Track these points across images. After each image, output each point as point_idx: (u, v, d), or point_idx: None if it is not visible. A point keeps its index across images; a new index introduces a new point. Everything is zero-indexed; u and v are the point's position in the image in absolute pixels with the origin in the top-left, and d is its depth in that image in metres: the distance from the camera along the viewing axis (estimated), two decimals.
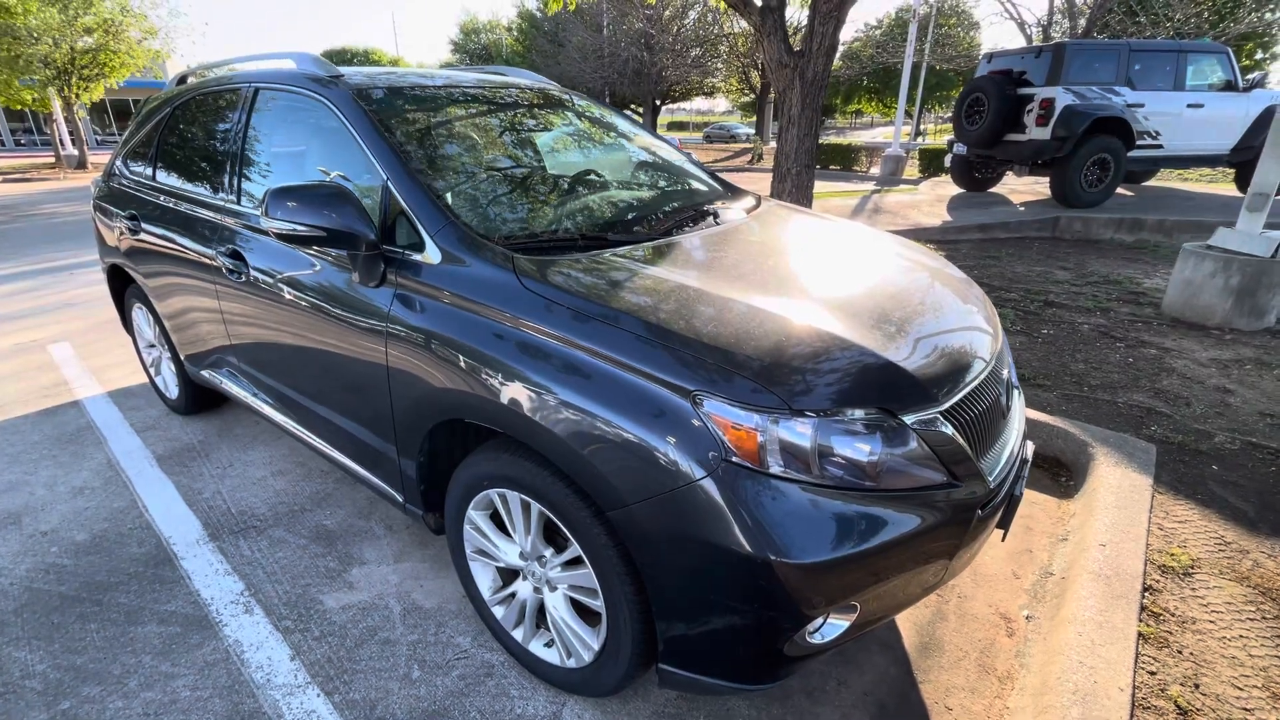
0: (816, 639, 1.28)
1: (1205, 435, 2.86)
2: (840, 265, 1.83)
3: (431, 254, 1.64)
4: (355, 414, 1.93)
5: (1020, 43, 18.37)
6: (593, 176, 2.31)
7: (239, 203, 2.25)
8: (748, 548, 1.17)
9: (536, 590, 1.67)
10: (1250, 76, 8.09)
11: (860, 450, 1.22)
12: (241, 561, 2.20)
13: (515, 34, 32.29)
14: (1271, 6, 19.17)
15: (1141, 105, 7.57)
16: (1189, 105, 7.78)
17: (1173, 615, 1.83)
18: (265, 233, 2.09)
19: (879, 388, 1.30)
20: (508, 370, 1.41)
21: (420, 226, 1.67)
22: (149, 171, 2.81)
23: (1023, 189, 10.10)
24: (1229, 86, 7.98)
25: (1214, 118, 7.86)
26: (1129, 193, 9.23)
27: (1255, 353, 3.86)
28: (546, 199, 2.05)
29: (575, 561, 1.52)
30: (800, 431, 1.19)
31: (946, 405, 1.36)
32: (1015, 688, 1.72)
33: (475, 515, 1.70)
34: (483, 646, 1.85)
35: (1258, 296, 4.20)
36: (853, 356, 1.33)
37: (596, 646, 1.53)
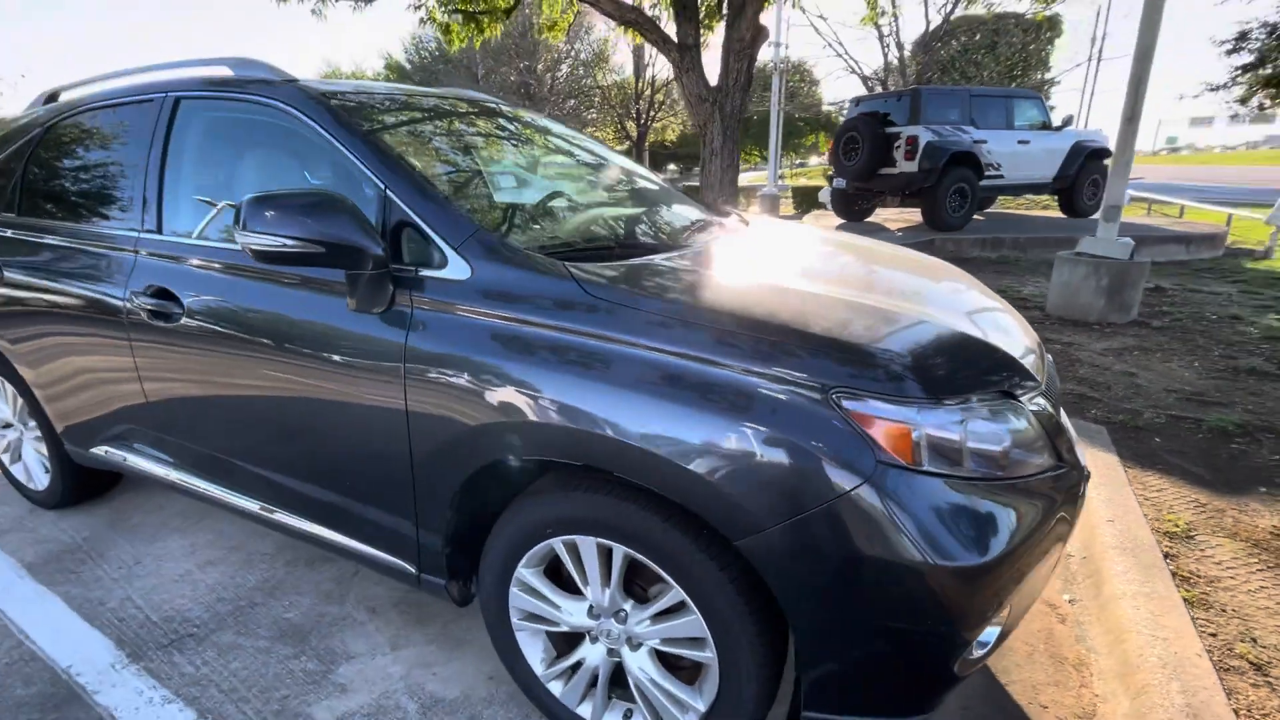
0: (979, 651, 1.17)
1: (1136, 413, 3.16)
2: (873, 266, 1.81)
3: (456, 269, 1.40)
4: (350, 474, 1.59)
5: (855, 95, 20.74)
6: (588, 189, 2.16)
7: (160, 231, 1.85)
8: (921, 555, 1.04)
9: (612, 653, 1.42)
10: (1063, 117, 9.58)
11: (994, 437, 1.15)
12: (184, 682, 1.72)
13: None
14: (1040, 71, 23.99)
15: (985, 141, 8.69)
16: (1019, 141, 9.05)
17: (1201, 577, 1.92)
18: (212, 264, 1.71)
19: (996, 373, 1.25)
20: (591, 390, 1.20)
21: (438, 239, 1.43)
22: (8, 209, 2.26)
23: (895, 217, 11.15)
24: (1045, 126, 9.41)
25: (1038, 152, 9.19)
26: (980, 217, 10.48)
27: (1135, 341, 4.40)
28: (557, 208, 1.87)
29: (671, 610, 1.30)
30: (948, 422, 1.10)
31: (1043, 385, 1.35)
32: (1093, 673, 1.71)
33: (527, 573, 1.43)
34: None
35: (1124, 293, 4.83)
36: (963, 343, 1.28)
37: (702, 707, 1.31)
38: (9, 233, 2.21)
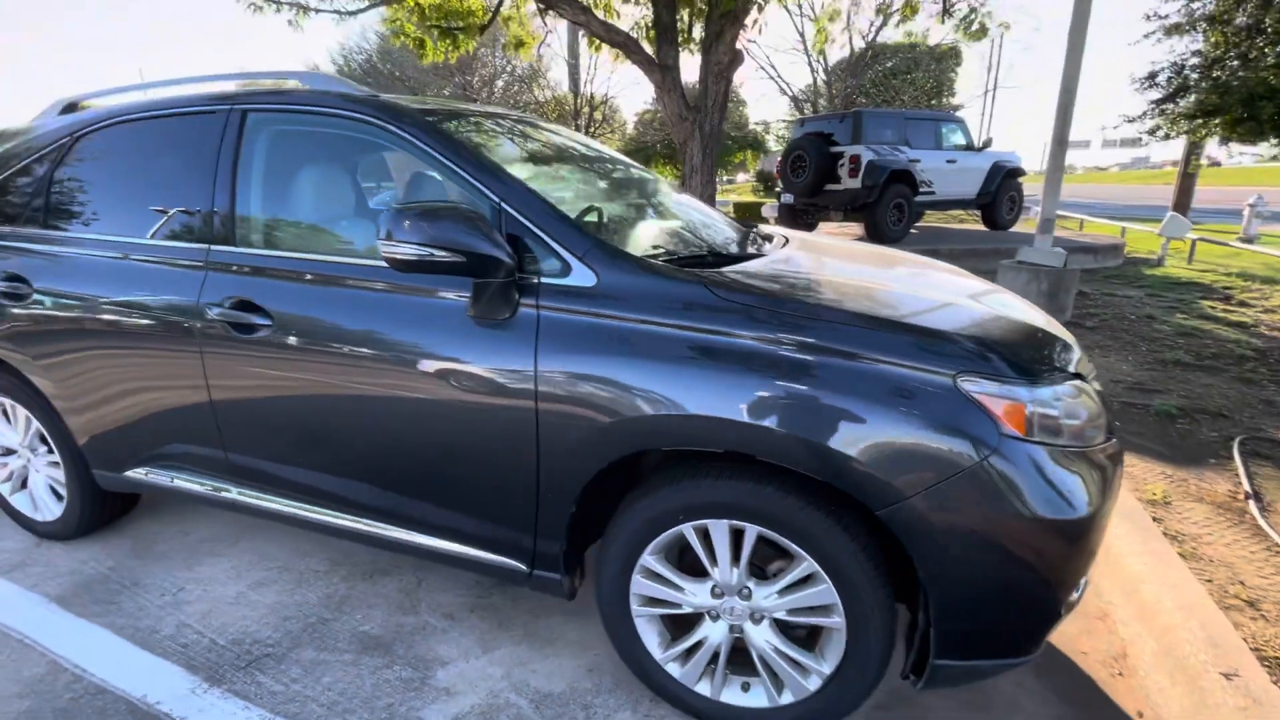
0: (1075, 594, 1.37)
1: None
2: (926, 270, 2.03)
3: (581, 276, 1.50)
4: (461, 480, 1.64)
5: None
6: (643, 200, 2.29)
7: (235, 243, 1.83)
8: (1041, 511, 1.23)
9: (733, 629, 1.54)
10: (984, 139, 10.49)
11: (1076, 413, 1.36)
12: (278, 700, 1.70)
13: None
14: (947, 96, 26.10)
15: (918, 160, 9.40)
16: (947, 161, 9.84)
17: (1186, 535, 2.24)
18: (304, 275, 1.71)
19: (1066, 357, 1.47)
20: (736, 384, 1.33)
21: (560, 248, 1.52)
22: (31, 221, 2.15)
23: (838, 230, 11.80)
24: (968, 147, 10.28)
25: (963, 171, 10.02)
26: (915, 231, 11.26)
27: (1075, 339, 4.91)
28: (638, 219, 1.98)
29: (799, 582, 1.44)
30: (1048, 399, 1.30)
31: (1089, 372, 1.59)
32: (1116, 621, 1.97)
33: (651, 560, 1.53)
34: (653, 716, 1.64)
35: (1060, 297, 5.39)
36: (1040, 333, 1.50)
37: (828, 669, 1.45)
38: (39, 247, 2.10)
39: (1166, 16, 4.15)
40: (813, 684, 1.48)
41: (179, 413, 1.95)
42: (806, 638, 1.52)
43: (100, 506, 2.36)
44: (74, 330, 2.02)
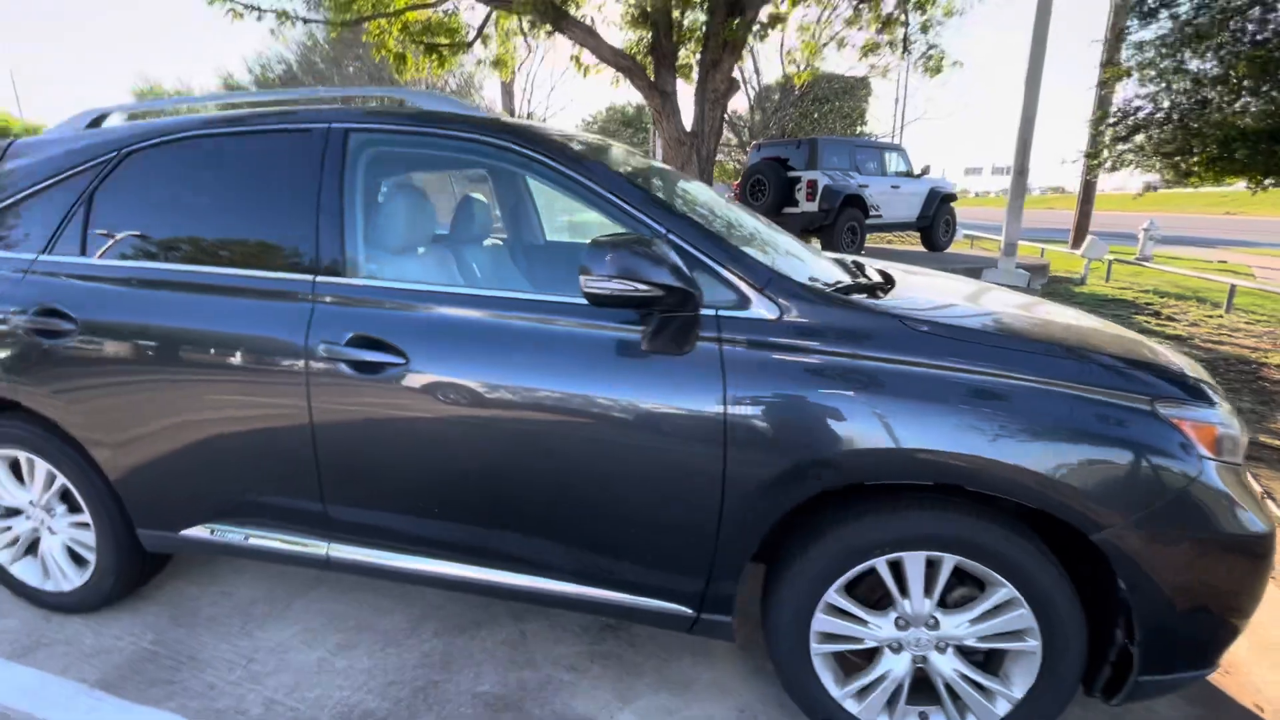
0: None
1: None
2: (1031, 298, 2.12)
3: (762, 309, 1.47)
4: (626, 522, 1.55)
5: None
6: (748, 229, 2.26)
7: (347, 274, 1.67)
8: (1243, 528, 1.31)
9: (916, 660, 1.53)
10: (922, 166, 11.24)
11: (1237, 431, 1.45)
12: None
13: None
14: (863, 125, 27.80)
15: (867, 186, 9.95)
16: (891, 186, 10.46)
17: None
18: (446, 309, 1.58)
19: (1205, 377, 1.58)
20: (940, 416, 1.34)
21: (737, 280, 1.49)
22: (64, 248, 1.87)
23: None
24: (909, 174, 10.98)
25: (905, 195, 10.68)
26: (863, 253, 11.88)
27: None
28: (767, 247, 1.95)
29: (994, 609, 1.45)
30: (1224, 420, 1.39)
31: None
32: None
33: (836, 596, 1.50)
34: None
35: None
36: (1188, 361, 1.60)
37: (1019, 694, 1.47)
38: (81, 276, 1.83)
39: (1119, 63, 4.63)
40: (1001, 709, 1.49)
41: (270, 462, 1.74)
42: (984, 664, 1.54)
43: (137, 572, 2.07)
44: (130, 372, 1.77)
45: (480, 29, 5.83)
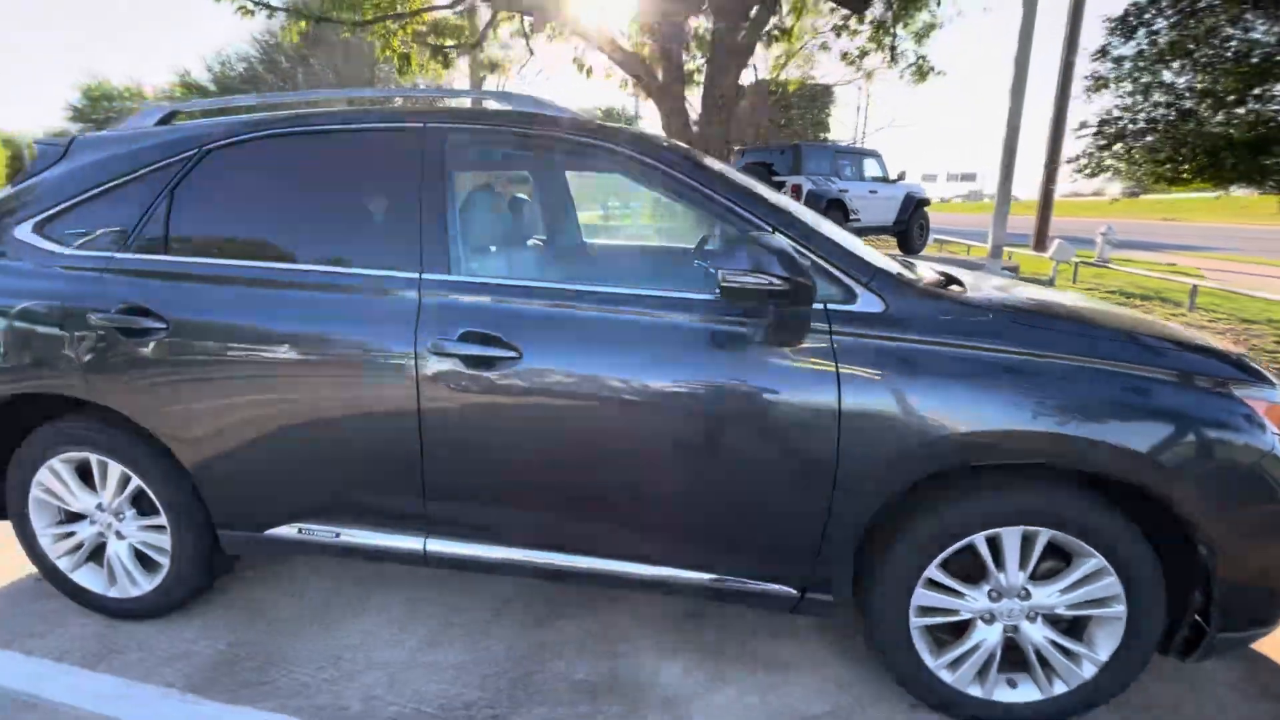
0: None
1: None
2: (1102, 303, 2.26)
3: (867, 303, 1.56)
4: (739, 508, 1.62)
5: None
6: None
7: (451, 271, 1.69)
8: None
9: (1007, 630, 1.63)
10: (898, 172, 11.64)
11: None
12: None
13: None
14: (826, 133, 28.59)
15: (847, 190, 10.26)
16: (869, 190, 10.81)
17: None
18: (559, 304, 1.62)
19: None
20: (1042, 400, 1.45)
21: (844, 276, 1.58)
22: (145, 246, 1.84)
23: None
24: (885, 179, 11.35)
25: (883, 199, 11.05)
26: None
27: None
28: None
29: (1084, 579, 1.56)
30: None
31: None
32: None
33: (936, 571, 1.60)
34: None
35: None
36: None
37: (1104, 657, 1.59)
38: (168, 275, 1.80)
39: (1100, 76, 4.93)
40: (1087, 671, 1.61)
41: (372, 459, 1.75)
42: (1073, 629, 1.66)
43: (210, 575, 2.04)
44: (224, 372, 1.75)
45: (484, 31, 5.83)
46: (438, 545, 1.81)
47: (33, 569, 2.31)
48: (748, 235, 1.43)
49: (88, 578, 2.06)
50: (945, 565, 1.62)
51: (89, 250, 1.88)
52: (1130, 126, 4.68)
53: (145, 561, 2.03)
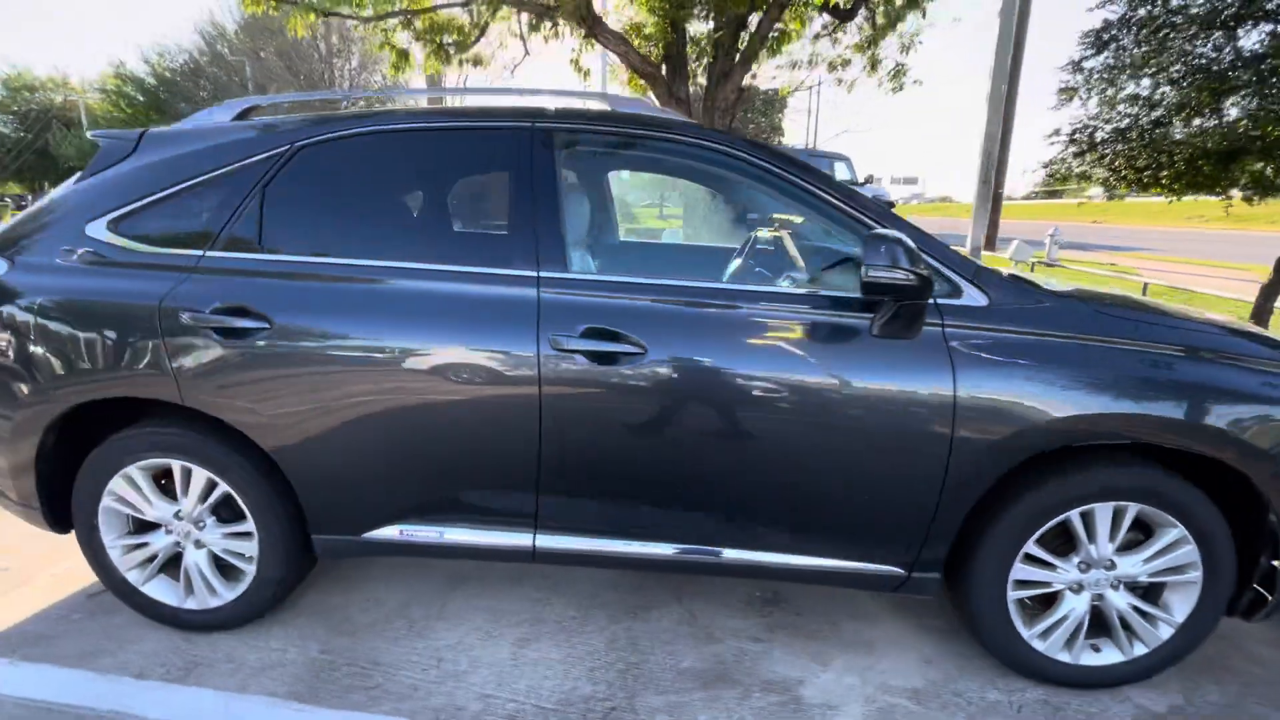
0: None
1: None
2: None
3: (972, 297, 1.67)
4: (857, 492, 1.69)
5: None
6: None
7: (569, 269, 1.71)
8: None
9: (1095, 599, 1.77)
10: (865, 175, 12.06)
11: None
12: None
13: (109, 97, 25.29)
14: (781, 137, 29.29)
15: None
16: None
17: None
18: (680, 300, 1.67)
19: None
20: (1142, 385, 1.58)
21: (950, 272, 1.68)
22: (237, 244, 1.79)
23: None
24: (853, 183, 11.76)
25: None
26: None
27: None
28: None
29: (1164, 549, 1.71)
30: None
31: None
32: None
33: (1032, 546, 1.72)
34: (1015, 689, 1.81)
35: None
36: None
37: (1180, 619, 1.74)
38: (268, 273, 1.75)
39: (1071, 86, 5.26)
40: (1164, 633, 1.76)
41: (486, 456, 1.75)
42: (1147, 595, 1.80)
43: (295, 581, 1.99)
44: (330, 372, 1.71)
45: (483, 29, 5.75)
46: (547, 541, 1.82)
47: (81, 585, 2.21)
48: (881, 234, 1.51)
49: (160, 590, 1.98)
50: (1040, 540, 1.74)
51: (173, 248, 1.81)
52: (1104, 135, 5.02)
53: (224, 571, 1.96)
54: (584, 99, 1.88)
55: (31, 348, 1.78)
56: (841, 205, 1.72)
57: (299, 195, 1.82)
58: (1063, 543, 1.75)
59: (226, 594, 1.95)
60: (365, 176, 1.83)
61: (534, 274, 1.71)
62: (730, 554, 1.79)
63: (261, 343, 1.71)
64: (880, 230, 1.55)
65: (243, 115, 1.97)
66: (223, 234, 1.80)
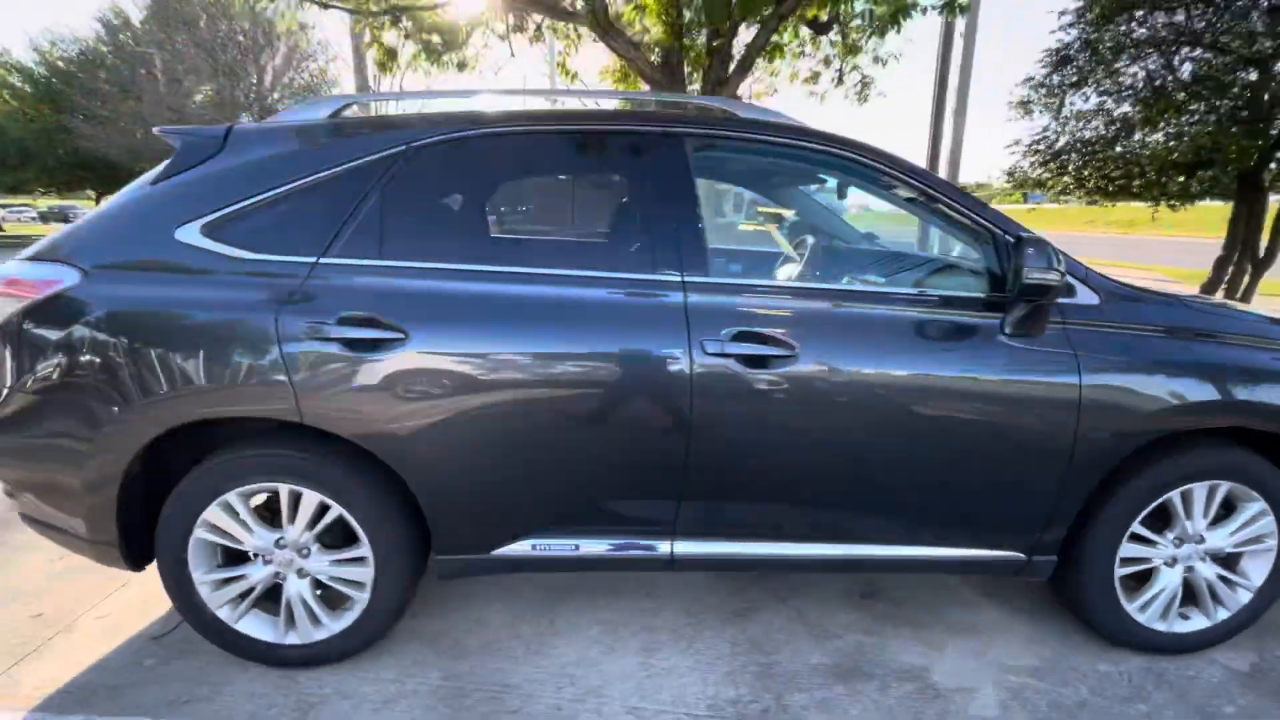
0: None
1: None
2: None
3: (1086, 296, 1.79)
4: (988, 484, 1.77)
5: None
6: None
7: (710, 273, 1.71)
8: None
9: (1186, 571, 1.93)
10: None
11: None
12: None
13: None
14: None
15: None
16: None
17: None
18: (828, 303, 1.71)
19: None
20: (1238, 372, 1.74)
21: (1069, 273, 1.80)
22: (355, 250, 1.67)
23: None
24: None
25: None
26: None
27: None
28: None
29: (1246, 521, 1.88)
30: None
31: None
32: None
33: (1137, 526, 1.86)
34: (1120, 659, 1.94)
35: None
36: None
37: (1258, 583, 1.92)
38: (398, 282, 1.64)
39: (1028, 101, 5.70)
40: (1244, 598, 1.94)
41: (632, 465, 1.71)
42: (1224, 565, 1.98)
43: (406, 606, 1.87)
44: (468, 383, 1.63)
45: (470, 30, 5.57)
46: (686, 547, 1.80)
47: (138, 628, 2.01)
48: (1034, 238, 1.60)
49: (254, 626, 1.82)
50: (1143, 520, 1.88)
51: (281, 255, 1.67)
52: (1066, 144, 5.47)
53: (329, 601, 1.83)
54: (707, 105, 1.88)
55: (117, 367, 1.61)
56: (973, 213, 1.80)
57: (419, 198, 1.73)
58: (1158, 522, 1.90)
59: (333, 625, 1.81)
60: (489, 179, 1.76)
61: (679, 278, 1.69)
62: (869, 550, 1.83)
63: (395, 355, 1.61)
64: (1027, 235, 1.63)
65: (336, 114, 1.84)
66: (338, 239, 1.68)
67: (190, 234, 1.67)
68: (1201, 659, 1.96)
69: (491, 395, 1.65)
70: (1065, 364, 1.71)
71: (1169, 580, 1.92)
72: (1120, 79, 4.81)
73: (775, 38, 4.93)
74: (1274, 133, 4.41)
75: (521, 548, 1.78)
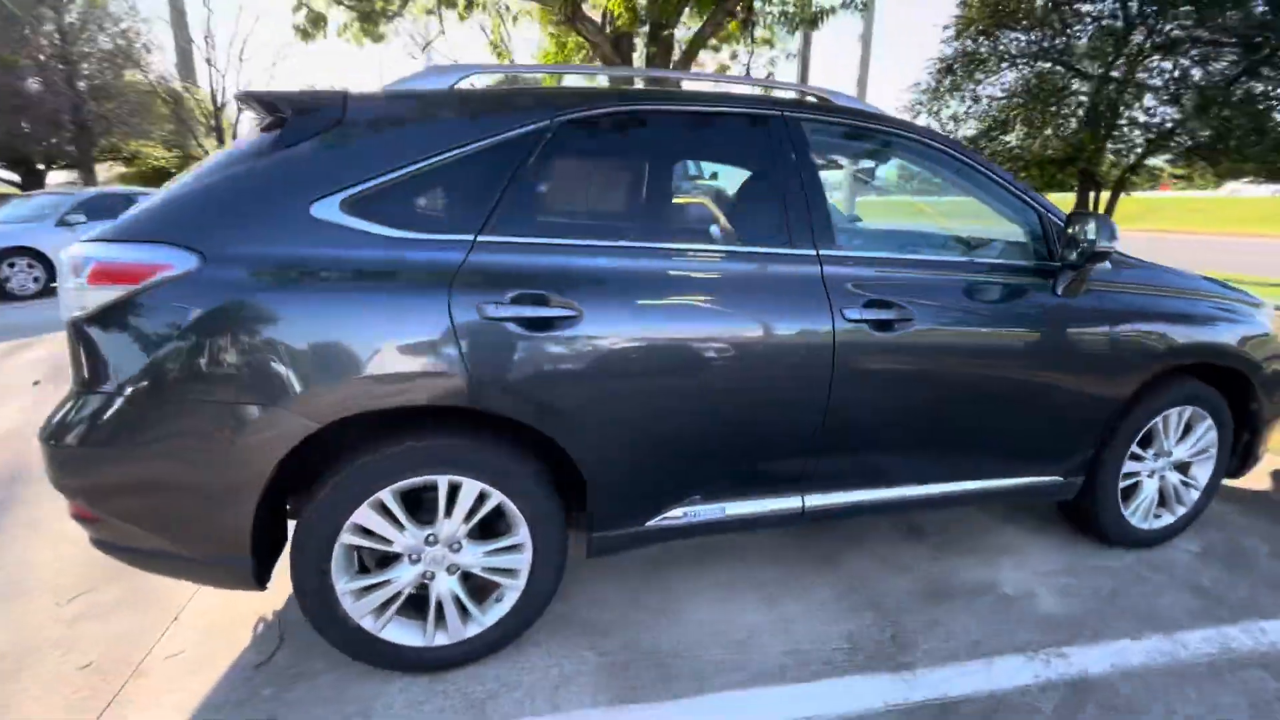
0: None
1: None
2: None
3: (1104, 263, 2.21)
4: (1051, 422, 2.13)
5: None
6: None
7: (836, 246, 1.88)
8: None
9: (1160, 480, 2.45)
10: None
11: None
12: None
13: None
14: None
15: None
16: None
17: None
18: (936, 274, 1.96)
19: None
20: (1220, 325, 2.26)
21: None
22: (507, 227, 1.61)
23: None
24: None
25: None
26: None
27: None
28: None
29: (1199, 437, 2.44)
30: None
31: None
32: None
33: (1135, 448, 2.33)
34: (1119, 555, 2.42)
35: None
36: None
37: (1204, 482, 2.50)
38: (557, 260, 1.61)
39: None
40: (1193, 497, 2.50)
41: (779, 426, 1.84)
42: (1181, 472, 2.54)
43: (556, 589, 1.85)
44: (634, 357, 1.65)
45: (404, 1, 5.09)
46: (815, 500, 1.97)
47: (227, 660, 1.79)
48: (1096, 214, 1.94)
49: (398, 632, 1.70)
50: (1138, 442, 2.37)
51: (436, 233, 1.58)
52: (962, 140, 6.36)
53: (475, 595, 1.76)
54: (809, 93, 2.04)
55: (259, 359, 1.43)
56: (1024, 196, 2.13)
57: (562, 172, 1.72)
58: (1144, 443, 2.39)
59: (485, 619, 1.75)
60: (636, 156, 1.78)
61: (813, 252, 1.84)
62: (958, 487, 2.12)
63: (569, 332, 1.60)
64: (1084, 212, 1.99)
65: (457, 85, 1.75)
66: (494, 215, 1.62)
67: (329, 210, 1.52)
68: (1170, 549, 2.50)
69: (659, 368, 1.69)
70: (1102, 316, 2.11)
71: (1150, 488, 2.44)
72: (985, 88, 5.71)
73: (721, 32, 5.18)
74: (1102, 133, 5.51)
75: (672, 516, 1.84)
